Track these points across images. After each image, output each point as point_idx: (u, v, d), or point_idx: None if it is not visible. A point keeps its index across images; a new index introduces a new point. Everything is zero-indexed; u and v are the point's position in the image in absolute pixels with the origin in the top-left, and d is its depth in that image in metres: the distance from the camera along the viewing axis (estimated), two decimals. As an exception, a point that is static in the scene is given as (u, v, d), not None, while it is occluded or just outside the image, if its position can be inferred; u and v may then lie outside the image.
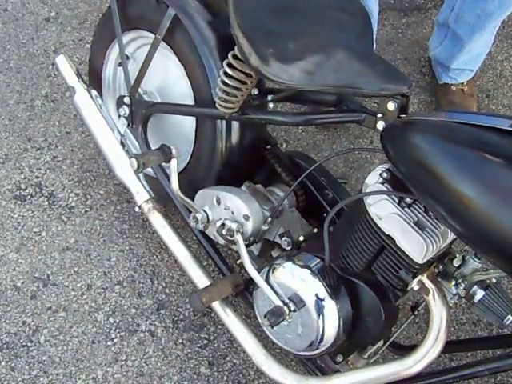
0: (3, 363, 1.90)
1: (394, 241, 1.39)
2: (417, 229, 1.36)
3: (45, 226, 2.16)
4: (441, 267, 1.47)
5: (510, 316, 1.40)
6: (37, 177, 2.26)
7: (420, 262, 1.37)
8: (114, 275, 2.07)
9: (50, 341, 1.95)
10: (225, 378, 1.93)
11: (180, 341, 1.97)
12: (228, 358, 1.96)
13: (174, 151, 1.71)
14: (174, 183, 1.72)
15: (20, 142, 2.34)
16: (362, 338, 1.57)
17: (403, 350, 1.75)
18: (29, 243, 2.12)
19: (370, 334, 1.56)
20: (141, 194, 1.85)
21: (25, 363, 1.90)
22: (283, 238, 1.67)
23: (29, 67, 2.55)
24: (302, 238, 1.68)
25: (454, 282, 1.45)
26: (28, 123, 2.39)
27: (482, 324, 2.04)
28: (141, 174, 1.87)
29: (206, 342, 1.98)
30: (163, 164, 1.84)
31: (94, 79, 2.12)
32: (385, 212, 1.39)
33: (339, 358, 1.63)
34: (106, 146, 1.92)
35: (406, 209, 1.39)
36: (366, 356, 1.65)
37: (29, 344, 1.94)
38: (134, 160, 1.67)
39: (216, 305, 1.70)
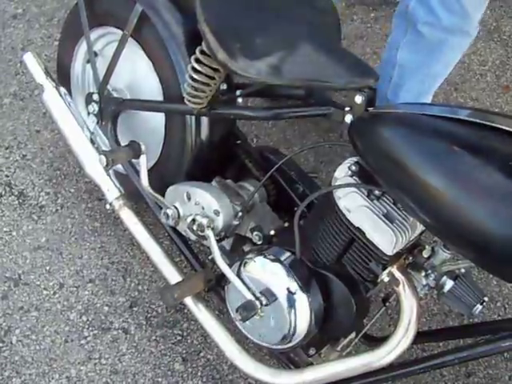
0: None
1: (364, 233, 1.40)
2: (386, 221, 1.37)
3: (15, 225, 2.15)
4: (410, 258, 1.48)
5: (478, 305, 1.42)
6: (6, 176, 2.25)
7: (390, 253, 1.39)
8: (86, 273, 2.06)
9: (22, 341, 1.94)
10: (199, 373, 1.93)
11: (153, 337, 1.97)
12: (202, 354, 1.96)
13: (143, 147, 1.70)
14: (144, 179, 1.71)
15: (-12, 141, 2.33)
16: (334, 330, 1.58)
17: (376, 341, 1.76)
18: (-1, 243, 2.11)
19: (341, 326, 1.57)
20: (111, 191, 1.84)
21: None
22: (254, 233, 1.68)
23: (-4, 65, 2.53)
24: (273, 233, 1.68)
25: (423, 273, 1.46)
26: (-4, 122, 2.38)
27: (453, 314, 2.06)
28: (111, 171, 1.86)
29: (179, 338, 1.98)
30: (133, 161, 1.84)
31: (62, 76, 2.11)
32: (354, 204, 1.40)
33: (312, 351, 1.64)
34: (75, 144, 1.91)
35: (375, 201, 1.40)
36: (338, 348, 1.65)
37: (0, 344, 1.92)
38: (103, 157, 1.66)
39: (188, 300, 1.69)
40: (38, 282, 2.05)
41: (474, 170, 1.20)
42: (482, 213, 1.17)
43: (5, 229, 2.14)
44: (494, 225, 1.17)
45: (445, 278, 1.44)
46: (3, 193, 2.21)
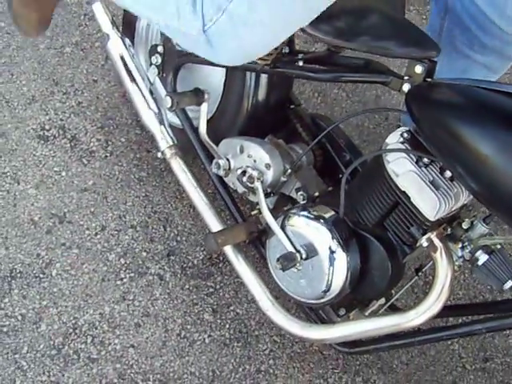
0: (16, 291, 1.96)
1: (409, 197, 1.46)
2: (432, 187, 1.43)
3: (65, 166, 2.22)
4: (449, 230, 1.54)
5: (510, 281, 1.47)
6: (61, 119, 2.32)
7: (432, 219, 1.44)
8: (129, 219, 2.14)
9: (61, 275, 2.01)
10: (227, 325, 2.00)
11: (187, 287, 2.04)
12: (232, 308, 2.03)
13: (206, 95, 1.77)
14: (202, 126, 1.78)
15: (47, 85, 2.39)
16: (366, 291, 1.64)
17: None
18: (48, 181, 2.18)
19: (374, 288, 1.62)
20: (165, 139, 1.91)
21: (36, 293, 1.96)
22: (299, 193, 1.74)
23: (61, 15, 2.59)
24: (317, 194, 1.75)
25: (460, 245, 1.51)
26: (56, 68, 2.44)
27: (477, 300, 2.12)
28: (166, 123, 1.93)
29: (211, 290, 2.05)
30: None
31: (127, 29, 2.18)
32: (402, 169, 1.46)
33: (342, 312, 1.71)
34: (134, 93, 1.98)
35: (423, 168, 1.45)
36: (366, 313, 1.72)
37: (41, 276, 2.00)
38: (168, 98, 1.73)
39: (228, 249, 1.77)
40: (82, 222, 2.12)
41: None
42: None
43: (55, 168, 2.21)
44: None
45: (480, 251, 1.48)
46: (56, 135, 2.28)
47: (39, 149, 2.24)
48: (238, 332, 2.00)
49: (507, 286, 1.48)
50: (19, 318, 1.92)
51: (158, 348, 1.94)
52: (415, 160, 1.46)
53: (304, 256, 1.59)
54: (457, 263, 1.53)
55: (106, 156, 2.27)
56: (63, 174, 2.21)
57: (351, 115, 1.86)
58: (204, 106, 1.77)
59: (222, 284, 2.06)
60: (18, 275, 1.98)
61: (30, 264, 2.01)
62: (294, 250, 1.59)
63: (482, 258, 1.48)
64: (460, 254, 1.52)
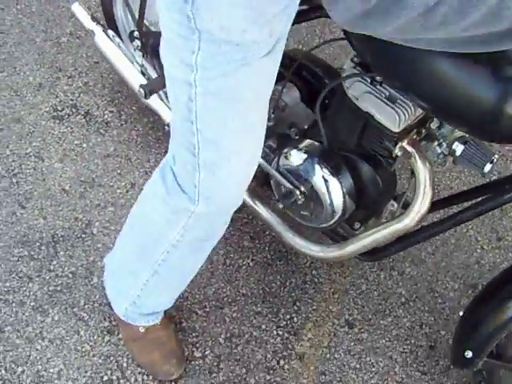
0: (61, 253, 2.11)
1: (372, 116, 1.57)
2: (388, 102, 1.53)
3: (85, 138, 2.39)
4: (423, 131, 1.64)
5: (488, 164, 1.55)
6: (71, 100, 2.48)
7: (396, 130, 1.55)
8: (155, 174, 2.31)
9: (102, 231, 2.17)
10: (266, 248, 2.19)
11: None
12: (267, 232, 2.21)
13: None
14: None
15: (51, 72, 2.56)
16: (368, 203, 1.78)
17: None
18: (71, 154, 2.34)
19: (374, 199, 1.77)
20: (167, 113, 2.07)
21: (81, 251, 2.11)
22: (291, 129, 1.86)
23: (50, 11, 2.75)
24: (306, 127, 1.87)
25: (436, 143, 1.61)
26: (57, 56, 2.60)
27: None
28: (164, 98, 2.08)
29: (245, 220, 2.23)
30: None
31: (108, 19, 2.33)
32: (359, 92, 1.57)
33: (357, 225, 1.86)
34: (129, 78, 2.15)
35: (378, 86, 1.55)
36: (383, 220, 1.85)
37: (83, 236, 2.15)
38: (141, 90, 1.88)
39: (245, 197, 1.94)
40: (112, 183, 2.28)
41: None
42: (468, 87, 1.30)
43: (75, 142, 2.37)
44: (481, 96, 1.30)
45: (456, 143, 1.56)
46: (70, 113, 2.44)
47: (56, 128, 2.41)
48: (277, 252, 2.18)
49: (487, 169, 1.56)
50: (70, 276, 2.07)
51: (208, 278, 2.12)
52: (369, 81, 1.56)
53: (302, 189, 1.74)
54: (439, 160, 1.63)
55: (122, 124, 2.43)
56: (84, 145, 2.38)
57: (319, 44, 1.93)
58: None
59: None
60: (61, 239, 2.14)
61: (70, 227, 2.17)
62: (291, 187, 1.75)
63: (459, 148, 1.57)
64: (439, 151, 1.61)
